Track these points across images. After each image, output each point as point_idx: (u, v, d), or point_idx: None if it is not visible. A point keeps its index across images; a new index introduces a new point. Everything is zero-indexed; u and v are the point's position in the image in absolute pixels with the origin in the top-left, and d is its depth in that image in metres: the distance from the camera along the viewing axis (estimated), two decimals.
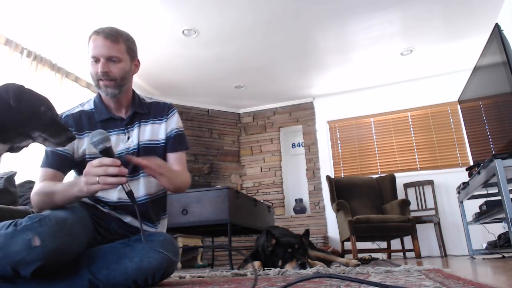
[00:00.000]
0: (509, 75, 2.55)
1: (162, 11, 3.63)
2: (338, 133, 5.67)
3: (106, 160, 1.10)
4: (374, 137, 5.48)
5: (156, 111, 1.56)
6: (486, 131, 3.32)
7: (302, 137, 5.84)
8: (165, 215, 1.63)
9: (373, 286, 0.73)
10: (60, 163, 1.38)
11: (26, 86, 1.16)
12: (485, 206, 3.06)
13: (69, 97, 4.22)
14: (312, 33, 4.17)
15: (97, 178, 1.07)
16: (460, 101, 4.04)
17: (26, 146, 1.15)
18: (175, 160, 1.55)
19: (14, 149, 1.13)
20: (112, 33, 1.39)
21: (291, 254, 2.26)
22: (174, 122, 1.58)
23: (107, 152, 1.14)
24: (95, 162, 1.10)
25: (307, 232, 2.52)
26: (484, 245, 3.43)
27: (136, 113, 1.51)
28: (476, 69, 3.36)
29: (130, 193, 1.14)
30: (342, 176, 5.46)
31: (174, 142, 1.55)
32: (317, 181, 5.54)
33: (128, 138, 1.47)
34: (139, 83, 4.99)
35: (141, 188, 1.45)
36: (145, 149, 1.48)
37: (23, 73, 3.68)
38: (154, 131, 1.53)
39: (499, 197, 2.68)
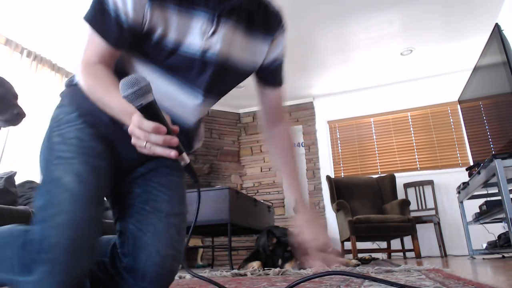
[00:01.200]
0: (509, 75, 2.56)
1: None
2: (338, 133, 5.67)
3: (146, 125, 0.75)
4: (374, 137, 5.48)
5: (262, 16, 1.05)
6: (486, 131, 3.32)
7: (302, 137, 5.84)
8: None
9: (390, 285, 0.73)
10: (125, 39, 0.93)
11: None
12: (485, 206, 3.06)
13: None
14: (312, 33, 4.17)
15: (144, 143, 0.76)
16: (460, 101, 4.05)
17: None
18: (280, 99, 1.20)
19: None
20: None
21: (291, 254, 2.26)
22: (282, 45, 1.12)
23: (148, 110, 0.76)
24: (135, 120, 0.76)
25: None
26: (484, 245, 3.43)
27: (240, 6, 0.98)
28: (476, 69, 3.36)
29: (189, 168, 0.83)
30: (342, 176, 5.46)
31: (279, 72, 1.16)
32: (317, 181, 5.54)
33: (213, 33, 0.95)
34: None
35: (191, 112, 1.04)
36: (228, 70, 1.02)
37: (23, 73, 3.68)
38: (252, 48, 1.05)
39: (499, 197, 2.68)
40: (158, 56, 0.95)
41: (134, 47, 0.97)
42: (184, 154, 0.80)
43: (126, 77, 0.74)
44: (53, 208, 0.89)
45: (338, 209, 4.30)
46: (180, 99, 1.00)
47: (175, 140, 0.76)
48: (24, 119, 1.48)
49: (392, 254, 4.80)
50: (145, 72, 0.97)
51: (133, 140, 0.77)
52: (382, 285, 1.08)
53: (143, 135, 0.75)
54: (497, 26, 2.77)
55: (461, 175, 4.12)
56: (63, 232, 0.86)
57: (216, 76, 1.00)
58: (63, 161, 0.94)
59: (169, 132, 0.76)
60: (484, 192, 3.25)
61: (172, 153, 0.77)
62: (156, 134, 0.75)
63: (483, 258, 3.20)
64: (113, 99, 0.87)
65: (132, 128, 0.77)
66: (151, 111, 0.76)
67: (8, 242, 0.94)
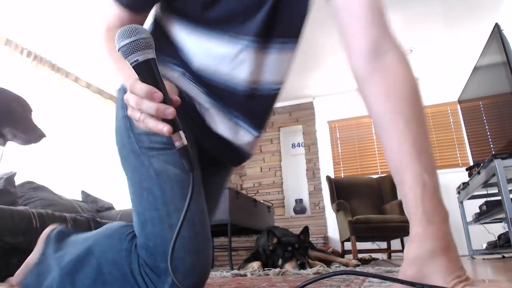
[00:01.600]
0: (509, 75, 2.56)
1: None
2: (338, 133, 5.67)
3: (139, 87, 0.61)
4: (374, 137, 5.48)
5: None
6: (486, 131, 3.32)
7: (302, 137, 5.84)
8: None
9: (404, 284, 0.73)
10: (141, 1, 0.86)
11: (5, 86, 1.13)
12: (485, 206, 3.06)
13: (69, 97, 4.22)
14: (312, 33, 4.16)
15: (139, 115, 0.62)
16: (460, 101, 4.05)
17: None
18: (376, 4, 0.74)
19: None
20: None
21: (291, 254, 2.26)
22: None
23: (145, 71, 0.62)
24: (130, 83, 0.63)
25: (306, 230, 2.52)
26: (484, 245, 3.43)
27: None
28: (476, 69, 3.36)
29: (184, 151, 0.64)
30: (342, 176, 5.46)
31: None
32: (317, 181, 5.54)
33: None
34: None
35: (269, 70, 0.94)
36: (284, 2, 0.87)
37: (23, 73, 3.68)
38: None
39: (499, 197, 2.68)
40: (199, 9, 0.84)
41: (169, 10, 0.89)
42: (181, 133, 0.63)
43: (124, 27, 0.61)
44: (165, 206, 0.79)
45: (338, 209, 4.31)
46: (239, 58, 0.87)
47: (170, 110, 0.60)
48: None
49: (392, 254, 4.80)
50: (188, 37, 0.87)
51: (129, 111, 0.65)
52: (382, 285, 1.08)
53: (135, 102, 0.61)
54: (497, 26, 2.77)
55: (461, 175, 4.12)
56: (188, 230, 0.76)
57: (273, 14, 0.87)
58: (160, 152, 0.84)
59: (166, 101, 0.61)
60: (484, 192, 3.25)
61: (165, 129, 0.60)
62: (148, 101, 0.60)
63: (483, 258, 3.20)
64: (124, 68, 0.77)
65: (126, 96, 0.64)
66: (148, 72, 0.62)
67: (118, 256, 0.81)
